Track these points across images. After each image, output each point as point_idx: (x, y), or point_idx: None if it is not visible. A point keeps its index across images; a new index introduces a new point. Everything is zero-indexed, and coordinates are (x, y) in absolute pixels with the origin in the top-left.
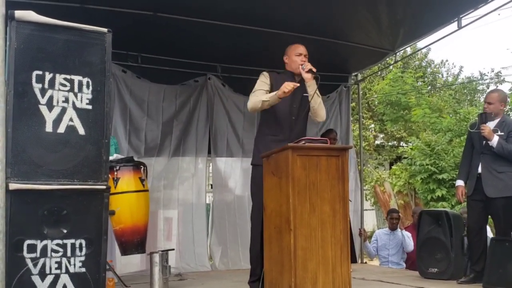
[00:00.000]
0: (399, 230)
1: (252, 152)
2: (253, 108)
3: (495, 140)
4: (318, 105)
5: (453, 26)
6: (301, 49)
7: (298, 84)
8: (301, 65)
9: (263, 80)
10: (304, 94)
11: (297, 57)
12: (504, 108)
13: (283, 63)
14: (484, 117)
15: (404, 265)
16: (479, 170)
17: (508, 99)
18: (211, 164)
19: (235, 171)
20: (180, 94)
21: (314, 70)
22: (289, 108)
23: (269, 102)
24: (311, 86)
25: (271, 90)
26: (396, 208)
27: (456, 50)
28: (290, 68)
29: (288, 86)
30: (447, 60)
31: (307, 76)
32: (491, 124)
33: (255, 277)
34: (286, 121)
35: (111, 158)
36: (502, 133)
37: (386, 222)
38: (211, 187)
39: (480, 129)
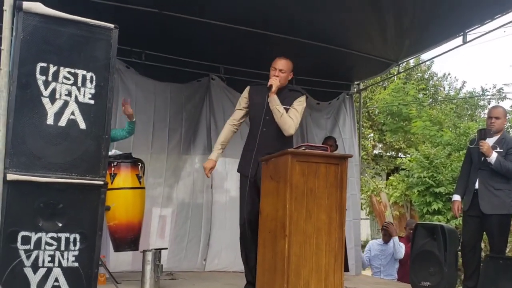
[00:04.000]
0: (391, 240)
1: None
2: None
3: (493, 157)
4: (279, 119)
5: (458, 40)
6: (276, 63)
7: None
8: (269, 80)
9: (241, 98)
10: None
11: (271, 71)
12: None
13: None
14: (484, 133)
15: (396, 276)
16: (476, 185)
17: (509, 116)
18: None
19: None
20: (185, 93)
21: (272, 86)
22: (261, 120)
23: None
24: (270, 102)
25: (248, 105)
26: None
27: (459, 64)
28: None
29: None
30: (449, 74)
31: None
32: (491, 141)
33: (247, 281)
34: (256, 131)
35: (109, 153)
36: (501, 150)
37: (381, 232)
38: (211, 187)
39: (479, 145)
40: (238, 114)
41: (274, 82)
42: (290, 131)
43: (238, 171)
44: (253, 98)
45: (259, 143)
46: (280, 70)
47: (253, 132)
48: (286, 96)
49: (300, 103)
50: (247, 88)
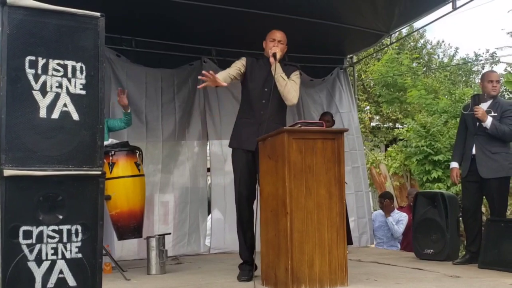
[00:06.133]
0: (393, 213)
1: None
2: None
3: (488, 121)
4: (283, 88)
5: (448, 7)
6: (276, 35)
7: (210, 74)
8: (270, 50)
9: (236, 63)
10: None
11: (270, 43)
12: None
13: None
14: (477, 99)
15: (399, 246)
16: (473, 151)
17: (502, 80)
18: (208, 148)
19: None
20: (177, 78)
21: (276, 54)
22: (260, 92)
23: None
24: (274, 70)
25: (245, 74)
26: (386, 193)
27: (451, 32)
28: (266, 54)
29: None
30: (443, 41)
31: (271, 60)
32: (484, 106)
33: (243, 261)
34: (257, 104)
35: (106, 143)
36: (496, 114)
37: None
38: (208, 171)
39: (474, 110)
40: (233, 70)
41: (277, 50)
42: (294, 100)
43: (233, 146)
44: (250, 70)
45: (262, 116)
46: (279, 41)
47: (252, 105)
48: (282, 70)
49: (297, 77)
50: (244, 58)
